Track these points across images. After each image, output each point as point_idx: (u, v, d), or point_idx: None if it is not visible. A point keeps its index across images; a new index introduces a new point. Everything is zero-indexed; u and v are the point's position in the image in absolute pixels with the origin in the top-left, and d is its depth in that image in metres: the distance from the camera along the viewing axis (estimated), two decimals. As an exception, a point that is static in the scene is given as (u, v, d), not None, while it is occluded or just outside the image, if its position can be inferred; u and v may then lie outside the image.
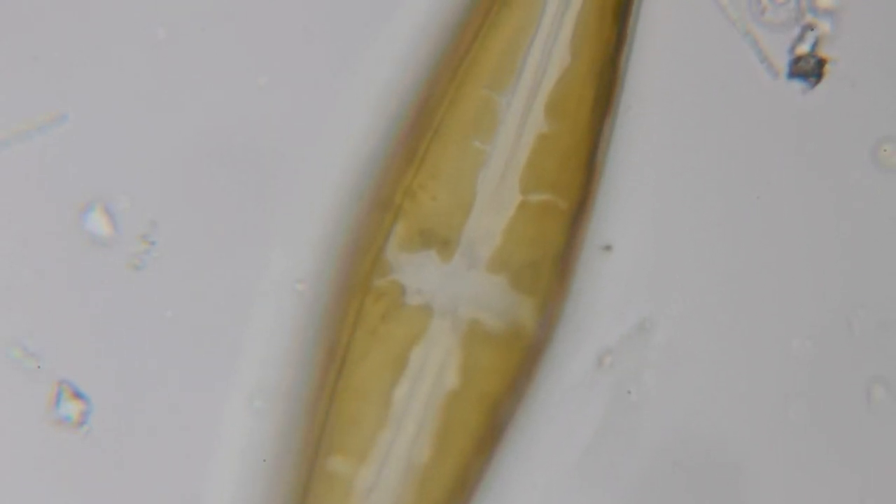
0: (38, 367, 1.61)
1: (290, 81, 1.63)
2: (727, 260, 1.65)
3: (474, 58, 1.58)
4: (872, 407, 1.64)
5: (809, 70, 1.57)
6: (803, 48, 1.61)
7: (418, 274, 1.56)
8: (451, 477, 1.57)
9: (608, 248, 1.62)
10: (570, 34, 1.56)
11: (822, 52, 1.63)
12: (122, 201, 1.60)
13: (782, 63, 1.63)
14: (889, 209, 1.65)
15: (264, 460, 1.61)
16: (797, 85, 1.62)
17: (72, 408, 1.59)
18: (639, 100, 1.63)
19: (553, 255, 1.57)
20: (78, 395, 1.60)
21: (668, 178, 1.64)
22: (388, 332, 1.56)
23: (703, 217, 1.65)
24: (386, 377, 1.56)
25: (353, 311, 1.57)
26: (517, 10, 1.58)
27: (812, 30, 1.55)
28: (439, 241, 1.56)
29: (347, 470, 1.55)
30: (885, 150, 1.64)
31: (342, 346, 1.57)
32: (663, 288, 1.64)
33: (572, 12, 1.56)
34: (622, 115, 1.62)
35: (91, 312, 1.60)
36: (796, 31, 1.63)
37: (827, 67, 1.59)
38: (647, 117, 1.63)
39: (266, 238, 1.62)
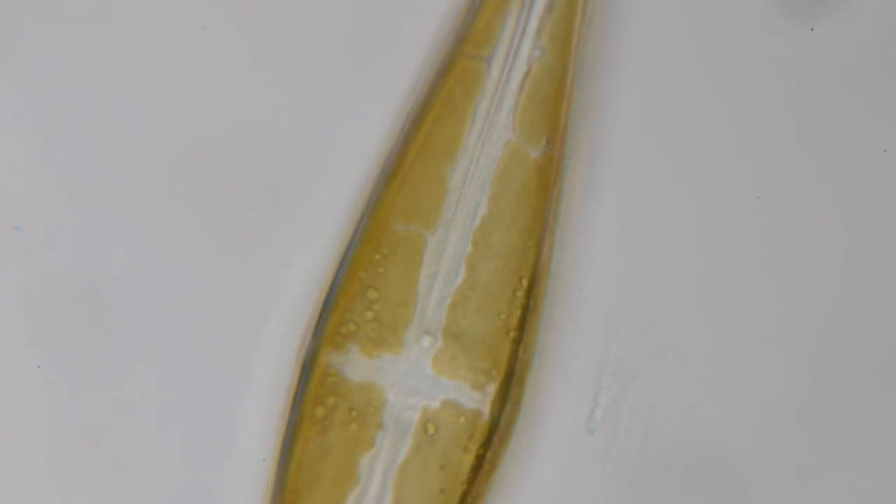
0: (39, 367, 1.62)
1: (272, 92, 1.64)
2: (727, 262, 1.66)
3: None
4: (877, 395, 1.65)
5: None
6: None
7: (370, 371, 1.57)
8: None
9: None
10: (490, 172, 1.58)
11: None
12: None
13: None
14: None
15: (264, 460, 1.61)
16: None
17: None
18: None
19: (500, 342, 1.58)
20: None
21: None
22: (338, 430, 1.56)
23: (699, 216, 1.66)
24: (340, 484, 1.56)
25: (308, 413, 1.58)
26: (442, 132, 1.59)
27: None
28: (389, 337, 1.57)
29: None
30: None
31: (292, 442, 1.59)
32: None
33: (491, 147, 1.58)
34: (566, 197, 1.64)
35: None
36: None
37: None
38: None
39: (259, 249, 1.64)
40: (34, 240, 1.63)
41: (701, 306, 1.65)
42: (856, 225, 1.65)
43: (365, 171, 1.63)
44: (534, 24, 1.59)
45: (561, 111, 1.59)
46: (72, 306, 1.63)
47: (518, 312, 1.58)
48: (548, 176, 1.58)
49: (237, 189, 1.64)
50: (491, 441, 1.58)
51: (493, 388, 1.57)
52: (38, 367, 1.62)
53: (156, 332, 1.63)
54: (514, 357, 1.58)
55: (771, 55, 1.65)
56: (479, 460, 1.57)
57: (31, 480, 1.63)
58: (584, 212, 1.64)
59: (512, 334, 1.58)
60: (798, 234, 1.65)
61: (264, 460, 1.61)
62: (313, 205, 1.63)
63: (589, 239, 1.64)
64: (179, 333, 1.63)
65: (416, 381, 1.56)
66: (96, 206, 1.63)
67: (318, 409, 1.56)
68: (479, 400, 1.57)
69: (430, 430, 1.55)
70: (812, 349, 1.65)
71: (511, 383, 1.58)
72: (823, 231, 1.65)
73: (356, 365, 1.56)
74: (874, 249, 1.65)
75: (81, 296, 1.63)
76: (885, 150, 1.65)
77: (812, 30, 1.65)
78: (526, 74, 1.58)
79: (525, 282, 1.58)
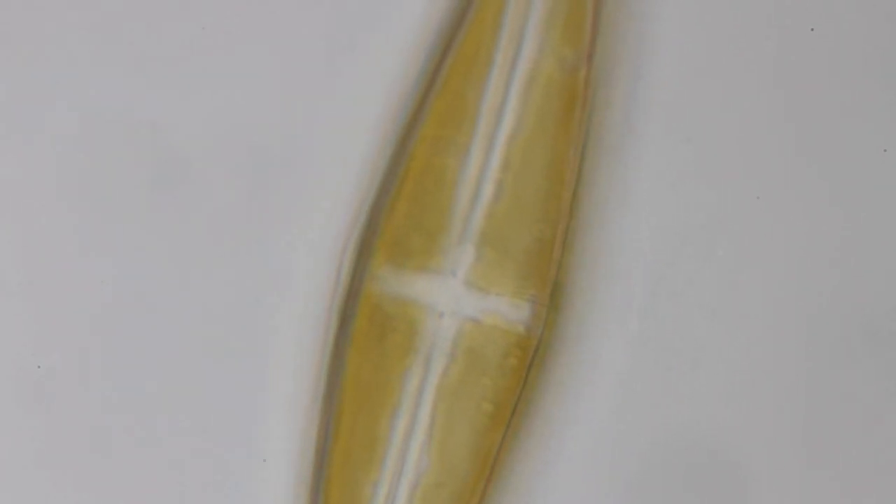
0: (38, 367, 1.62)
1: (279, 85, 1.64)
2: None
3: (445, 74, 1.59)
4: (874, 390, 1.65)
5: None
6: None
7: (411, 285, 1.56)
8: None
9: None
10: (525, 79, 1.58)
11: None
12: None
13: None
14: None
15: (264, 460, 1.62)
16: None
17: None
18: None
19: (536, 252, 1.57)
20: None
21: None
22: (383, 350, 1.56)
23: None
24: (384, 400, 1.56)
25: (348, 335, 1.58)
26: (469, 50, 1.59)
27: None
28: (430, 248, 1.56)
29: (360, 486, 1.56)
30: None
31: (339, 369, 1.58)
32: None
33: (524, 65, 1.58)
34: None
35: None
36: None
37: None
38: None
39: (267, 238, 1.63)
40: (35, 242, 1.63)
41: (701, 305, 1.65)
42: (855, 225, 1.65)
43: (400, 88, 1.63)
44: None
45: (589, 24, 1.60)
46: (78, 307, 1.64)
47: (560, 222, 1.58)
48: (582, 88, 1.58)
49: (240, 182, 1.64)
50: (537, 350, 1.58)
51: (537, 298, 1.57)
52: (38, 367, 1.63)
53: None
54: (557, 266, 1.58)
55: (771, 55, 1.65)
56: (526, 370, 1.58)
57: (33, 485, 1.63)
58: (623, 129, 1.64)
59: (555, 244, 1.58)
60: (798, 234, 1.65)
61: (264, 460, 1.61)
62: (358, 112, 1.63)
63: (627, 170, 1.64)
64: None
65: (459, 293, 1.56)
66: (96, 205, 1.64)
67: (360, 325, 1.56)
68: (522, 309, 1.56)
69: (474, 342, 1.55)
70: (812, 349, 1.65)
71: (555, 293, 1.58)
72: (823, 231, 1.65)
73: (396, 279, 1.56)
74: (874, 249, 1.65)
75: (86, 297, 1.63)
76: (885, 150, 1.65)
77: (812, 30, 1.65)
78: None
79: (566, 192, 1.58)
